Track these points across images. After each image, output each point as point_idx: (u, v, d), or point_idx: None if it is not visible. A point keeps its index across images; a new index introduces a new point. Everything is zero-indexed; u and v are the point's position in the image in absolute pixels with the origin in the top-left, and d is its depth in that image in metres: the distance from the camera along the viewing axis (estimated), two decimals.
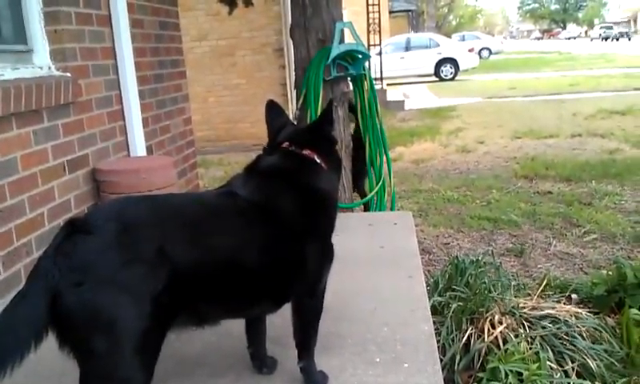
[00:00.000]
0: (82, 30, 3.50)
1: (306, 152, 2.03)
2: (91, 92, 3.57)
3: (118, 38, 3.78)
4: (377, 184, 4.83)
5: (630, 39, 56.76)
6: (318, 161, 2.05)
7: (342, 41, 4.52)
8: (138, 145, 3.95)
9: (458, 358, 2.90)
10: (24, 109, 2.93)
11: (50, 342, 1.50)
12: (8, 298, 2.71)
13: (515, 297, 3.45)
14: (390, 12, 29.43)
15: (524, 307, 3.28)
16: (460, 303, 3.19)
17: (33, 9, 3.26)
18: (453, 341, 3.02)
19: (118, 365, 1.51)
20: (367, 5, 14.64)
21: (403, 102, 16.58)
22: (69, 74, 3.35)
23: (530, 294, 3.64)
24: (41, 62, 3.30)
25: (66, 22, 3.36)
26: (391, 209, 5.00)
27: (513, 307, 3.21)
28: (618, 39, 57.33)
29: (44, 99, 3.07)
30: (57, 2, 3.31)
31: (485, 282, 3.38)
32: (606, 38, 58.91)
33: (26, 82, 2.99)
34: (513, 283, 3.74)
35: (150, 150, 4.18)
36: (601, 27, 66.53)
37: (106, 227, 1.55)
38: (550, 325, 3.11)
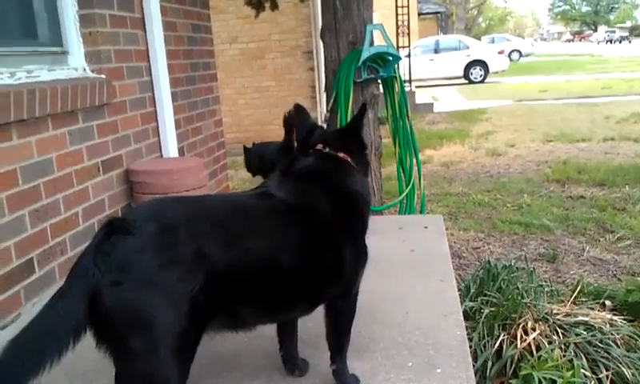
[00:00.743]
0: (116, 32, 3.54)
1: (341, 154, 2.03)
2: (125, 94, 3.62)
3: (152, 40, 3.82)
4: (406, 186, 4.81)
5: (630, 42, 60.09)
6: (352, 163, 2.05)
7: (372, 43, 4.51)
8: (171, 146, 3.99)
9: (489, 364, 2.87)
10: (60, 110, 2.97)
11: (87, 339, 1.51)
12: (42, 295, 2.78)
13: (548, 303, 3.40)
14: (419, 14, 29.27)
15: (557, 314, 3.23)
16: (492, 309, 3.16)
17: (68, 11, 3.31)
18: (485, 347, 2.99)
19: (155, 364, 1.52)
20: (396, 7, 14.59)
21: (432, 104, 16.50)
22: (103, 76, 3.39)
23: (563, 301, 3.58)
24: (76, 63, 3.35)
25: (101, 24, 3.40)
26: (421, 212, 4.97)
27: (546, 313, 3.16)
28: (620, 42, 60.51)
29: (79, 100, 3.11)
30: (91, 5, 3.35)
31: (518, 288, 3.34)
32: (610, 41, 62.16)
33: (62, 83, 3.03)
34: (546, 289, 3.69)
35: (181, 151, 4.21)
36: (605, 31, 71.13)
37: (145, 228, 1.56)
38: (584, 332, 3.05)
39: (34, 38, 3.22)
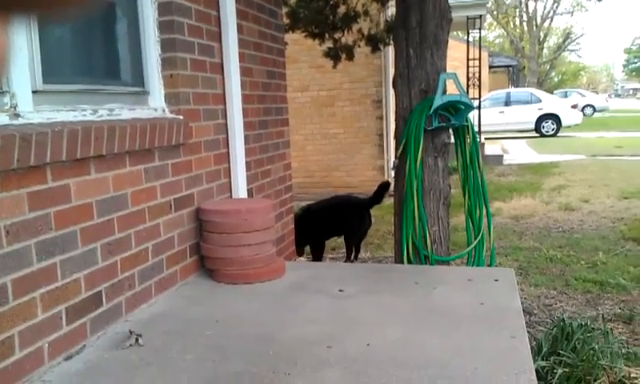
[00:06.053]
0: (195, 75, 3.65)
1: None
2: (201, 135, 3.70)
3: (229, 85, 3.91)
4: (475, 238, 4.70)
5: None
6: None
7: (444, 92, 4.48)
8: (241, 187, 4.04)
9: None
10: (137, 147, 3.06)
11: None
12: (108, 329, 2.82)
13: (625, 366, 3.23)
14: (490, 67, 29.13)
15: (636, 377, 3.06)
16: (566, 369, 3.01)
17: (151, 54, 3.44)
18: None
19: None
20: (467, 59, 14.56)
21: (502, 156, 16.25)
22: (181, 117, 3.48)
23: None
24: (156, 104, 3.46)
25: (182, 67, 3.51)
26: (490, 265, 4.83)
27: (623, 376, 3.00)
28: None
29: (157, 139, 3.20)
30: (174, 49, 3.47)
31: (593, 349, 3.18)
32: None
33: (141, 122, 3.13)
34: (622, 351, 3.50)
35: (250, 192, 4.27)
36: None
37: None
38: None
39: (117, 78, 3.36)
